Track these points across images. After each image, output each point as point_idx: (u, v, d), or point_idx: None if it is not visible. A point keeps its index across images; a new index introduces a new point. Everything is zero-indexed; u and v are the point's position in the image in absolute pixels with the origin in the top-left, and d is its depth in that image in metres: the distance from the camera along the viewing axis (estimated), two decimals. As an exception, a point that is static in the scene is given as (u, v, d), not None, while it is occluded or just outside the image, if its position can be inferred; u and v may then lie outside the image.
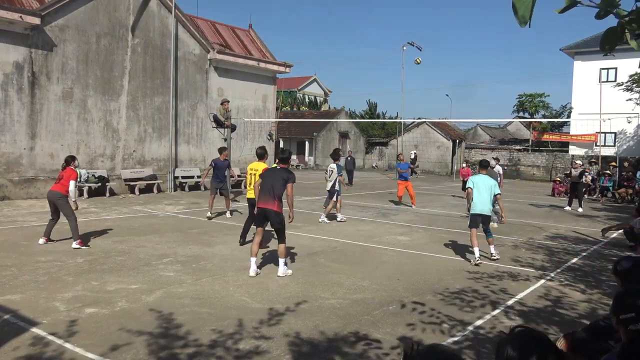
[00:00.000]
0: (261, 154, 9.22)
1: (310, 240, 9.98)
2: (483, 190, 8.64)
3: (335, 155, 13.24)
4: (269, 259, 8.26)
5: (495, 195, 8.66)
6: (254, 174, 8.82)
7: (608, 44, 1.96)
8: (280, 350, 4.65)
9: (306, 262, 8.24)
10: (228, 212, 12.98)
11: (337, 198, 12.70)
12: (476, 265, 8.27)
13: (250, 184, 9.05)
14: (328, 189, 12.76)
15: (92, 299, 5.94)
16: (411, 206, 16.06)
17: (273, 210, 7.23)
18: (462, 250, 9.48)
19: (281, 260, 7.31)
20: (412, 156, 30.65)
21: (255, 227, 7.64)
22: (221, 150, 13.13)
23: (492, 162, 14.60)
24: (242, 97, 22.36)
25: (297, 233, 10.19)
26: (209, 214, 12.50)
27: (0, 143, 14.87)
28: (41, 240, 8.88)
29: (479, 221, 8.72)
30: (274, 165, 8.07)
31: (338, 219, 12.67)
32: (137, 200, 15.97)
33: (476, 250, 8.48)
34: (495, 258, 8.67)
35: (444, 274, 7.75)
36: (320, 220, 12.44)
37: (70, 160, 9.01)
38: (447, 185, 26.81)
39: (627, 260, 3.91)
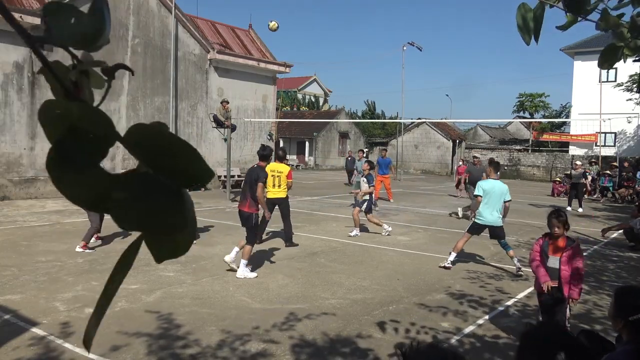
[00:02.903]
0: (282, 156, 9.69)
1: (310, 240, 9.97)
2: (495, 199, 7.69)
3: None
4: (268, 259, 8.27)
5: (505, 202, 7.75)
6: (277, 176, 9.20)
7: (607, 62, 2.01)
8: (281, 351, 4.65)
9: (306, 262, 8.24)
10: None
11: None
12: (445, 267, 7.91)
13: (273, 185, 9.22)
14: None
15: (92, 299, 5.94)
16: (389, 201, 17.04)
17: (243, 210, 7.38)
18: (461, 250, 9.47)
19: (242, 262, 7.21)
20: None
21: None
22: None
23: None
24: (242, 97, 22.34)
25: (297, 233, 10.18)
26: None
27: (0, 143, 14.88)
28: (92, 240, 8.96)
29: (481, 231, 8.01)
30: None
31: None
32: (137, 201, 15.95)
33: (453, 254, 7.96)
34: (520, 273, 7.64)
35: (444, 274, 7.75)
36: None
37: None
38: (447, 185, 26.78)
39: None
